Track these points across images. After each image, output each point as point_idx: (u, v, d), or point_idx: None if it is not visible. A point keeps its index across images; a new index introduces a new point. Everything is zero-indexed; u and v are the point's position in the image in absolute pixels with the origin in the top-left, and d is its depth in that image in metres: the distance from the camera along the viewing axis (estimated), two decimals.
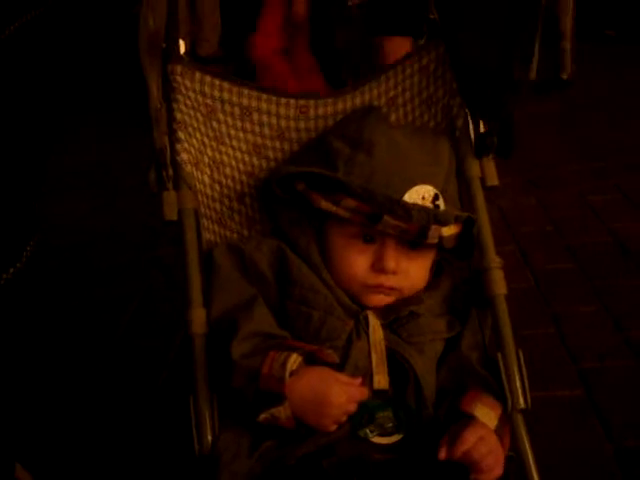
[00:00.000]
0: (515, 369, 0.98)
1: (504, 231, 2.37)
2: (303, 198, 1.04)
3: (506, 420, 0.96)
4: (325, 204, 1.00)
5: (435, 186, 1.00)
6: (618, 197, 2.59)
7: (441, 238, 1.00)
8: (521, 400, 0.97)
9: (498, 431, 0.94)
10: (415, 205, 0.97)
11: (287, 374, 0.89)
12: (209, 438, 0.95)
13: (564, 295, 2.04)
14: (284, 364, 0.90)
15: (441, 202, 1.01)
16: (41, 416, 1.64)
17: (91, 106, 4.03)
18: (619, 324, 1.89)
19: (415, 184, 0.99)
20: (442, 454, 0.90)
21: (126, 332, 2.03)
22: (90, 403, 1.70)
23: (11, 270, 1.12)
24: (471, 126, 1.10)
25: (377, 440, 0.96)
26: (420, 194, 0.99)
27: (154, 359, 1.85)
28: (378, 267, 1.00)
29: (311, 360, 0.94)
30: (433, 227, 0.98)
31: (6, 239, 1.11)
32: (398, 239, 0.99)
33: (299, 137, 1.17)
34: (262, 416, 0.91)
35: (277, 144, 1.17)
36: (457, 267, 1.11)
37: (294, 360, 0.91)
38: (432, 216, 0.97)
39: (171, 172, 1.04)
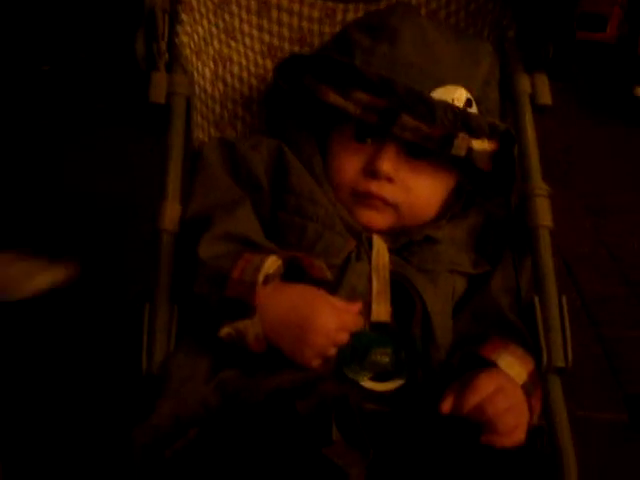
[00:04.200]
0: (556, 317, 0.77)
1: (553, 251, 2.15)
2: (311, 96, 0.86)
3: (538, 380, 0.75)
4: (333, 97, 0.82)
5: (469, 90, 0.82)
6: None
7: (471, 151, 0.81)
8: (560, 356, 0.75)
9: (526, 389, 0.73)
10: (441, 102, 0.79)
11: (260, 278, 0.71)
12: (160, 354, 0.76)
13: (612, 318, 1.83)
14: (258, 267, 0.71)
15: (474, 110, 0.83)
16: None
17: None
18: None
19: (444, 83, 0.81)
20: (445, 406, 0.69)
21: None
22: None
23: None
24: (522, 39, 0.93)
25: (369, 385, 0.76)
26: (449, 96, 0.80)
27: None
28: (369, 169, 0.81)
29: (296, 276, 0.75)
30: (461, 135, 0.79)
31: None
32: (402, 143, 0.81)
33: (321, 43, 1.01)
34: (224, 330, 0.72)
35: (296, 49, 1.01)
36: (494, 204, 0.91)
37: (271, 263, 0.72)
38: (460, 119, 0.78)
39: (164, 47, 0.88)
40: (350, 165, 0.83)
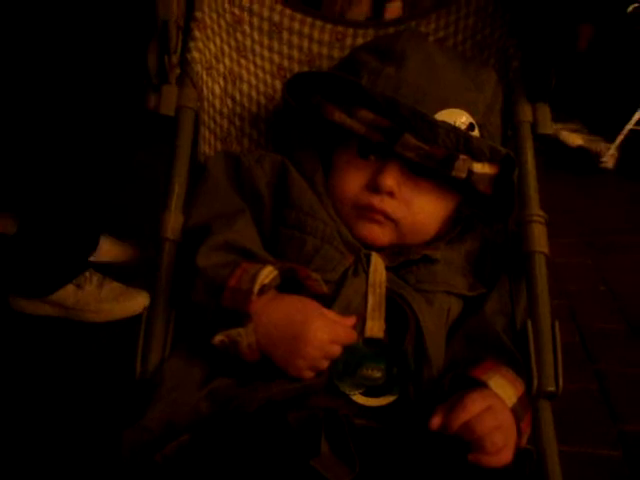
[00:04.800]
0: (548, 341, 0.78)
1: (551, 285, 2.15)
2: (318, 114, 0.88)
3: (528, 403, 0.75)
4: (339, 115, 0.84)
5: (472, 115, 0.84)
6: None
7: (471, 174, 0.82)
8: (551, 381, 0.76)
9: (516, 412, 0.73)
10: (444, 123, 0.80)
11: (256, 287, 0.72)
12: (155, 360, 0.77)
13: (609, 354, 1.81)
14: (255, 277, 0.72)
15: (476, 134, 0.84)
16: None
17: None
18: None
19: (448, 106, 0.82)
20: (434, 423, 0.69)
21: None
22: None
23: None
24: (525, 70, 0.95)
25: (361, 400, 0.76)
26: (452, 119, 0.82)
27: None
28: (372, 184, 0.83)
29: (292, 288, 0.76)
30: (462, 157, 0.80)
31: None
32: (405, 162, 0.82)
33: (330, 66, 1.03)
34: (218, 337, 0.73)
35: (305, 70, 1.03)
36: (494, 230, 0.92)
37: (268, 273, 0.73)
38: (462, 141, 0.80)
39: (175, 60, 0.91)
40: (353, 180, 0.85)
